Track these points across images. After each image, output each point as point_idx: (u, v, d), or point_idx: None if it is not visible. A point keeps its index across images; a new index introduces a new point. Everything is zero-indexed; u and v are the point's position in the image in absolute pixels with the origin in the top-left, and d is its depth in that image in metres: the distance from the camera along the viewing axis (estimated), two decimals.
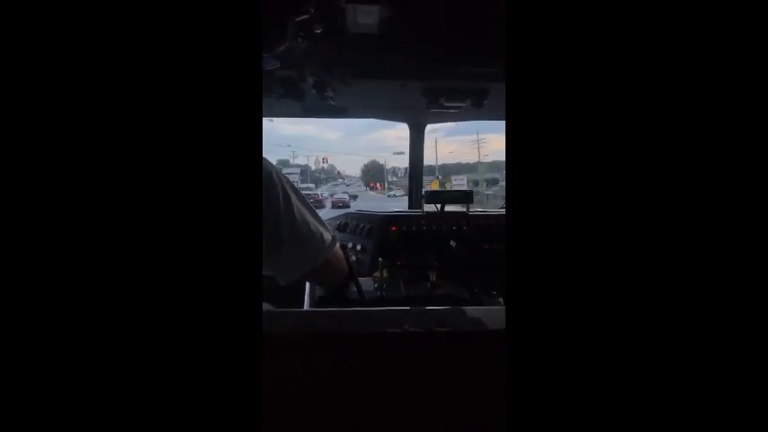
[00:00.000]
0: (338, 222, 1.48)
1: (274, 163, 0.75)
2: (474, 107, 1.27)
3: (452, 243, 1.32)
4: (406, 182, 1.90)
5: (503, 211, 1.52)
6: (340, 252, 0.80)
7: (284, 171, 0.79)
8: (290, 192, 0.75)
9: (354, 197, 23.36)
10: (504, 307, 0.44)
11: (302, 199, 0.77)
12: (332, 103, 1.23)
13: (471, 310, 0.41)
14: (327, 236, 0.76)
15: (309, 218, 0.76)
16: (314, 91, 1.14)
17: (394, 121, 1.63)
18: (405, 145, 1.66)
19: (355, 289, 0.85)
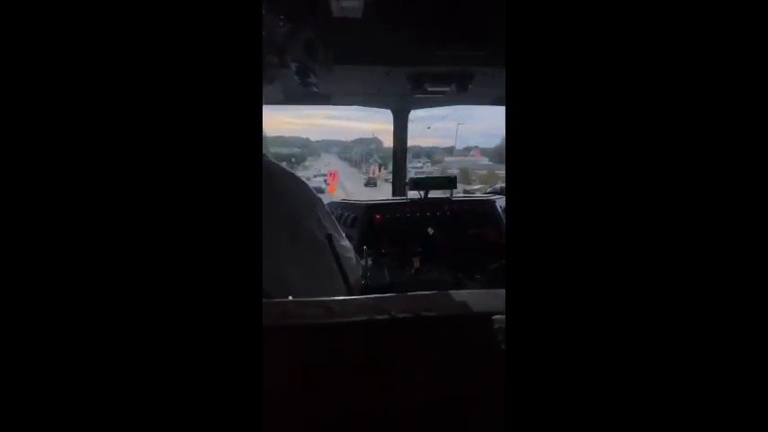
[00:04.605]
0: None
1: None
2: (458, 92, 1.26)
3: (430, 230, 1.34)
4: None
5: (487, 196, 1.54)
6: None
7: None
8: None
9: None
10: (488, 290, 0.44)
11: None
12: (315, 89, 1.21)
13: (456, 293, 0.42)
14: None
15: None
16: (297, 77, 1.12)
17: (377, 107, 1.62)
18: None
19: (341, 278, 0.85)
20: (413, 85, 1.24)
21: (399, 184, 1.66)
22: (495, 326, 0.37)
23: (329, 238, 0.73)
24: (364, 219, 1.34)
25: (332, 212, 1.43)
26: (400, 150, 1.65)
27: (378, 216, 1.34)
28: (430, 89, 1.26)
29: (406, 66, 1.14)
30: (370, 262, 1.11)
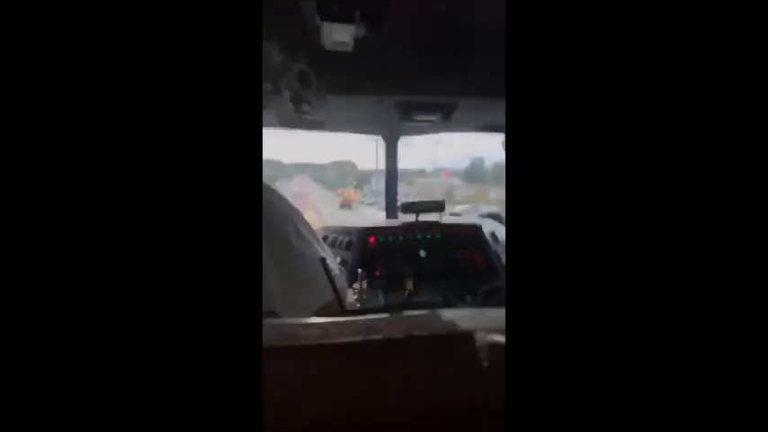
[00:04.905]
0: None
1: None
2: (444, 120, 1.31)
3: (422, 253, 1.37)
4: None
5: (473, 220, 1.59)
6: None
7: None
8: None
9: None
10: (475, 309, 0.46)
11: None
12: (309, 117, 1.23)
13: (447, 313, 0.43)
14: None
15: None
16: (291, 104, 1.14)
17: (369, 134, 1.66)
18: None
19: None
20: (401, 114, 1.28)
21: (392, 207, 1.70)
22: (477, 344, 0.37)
23: (323, 260, 0.72)
24: (359, 243, 1.35)
25: (326, 236, 1.44)
26: (392, 174, 1.69)
27: (372, 239, 1.36)
28: (418, 118, 1.30)
29: (395, 96, 1.18)
30: (365, 285, 1.11)
